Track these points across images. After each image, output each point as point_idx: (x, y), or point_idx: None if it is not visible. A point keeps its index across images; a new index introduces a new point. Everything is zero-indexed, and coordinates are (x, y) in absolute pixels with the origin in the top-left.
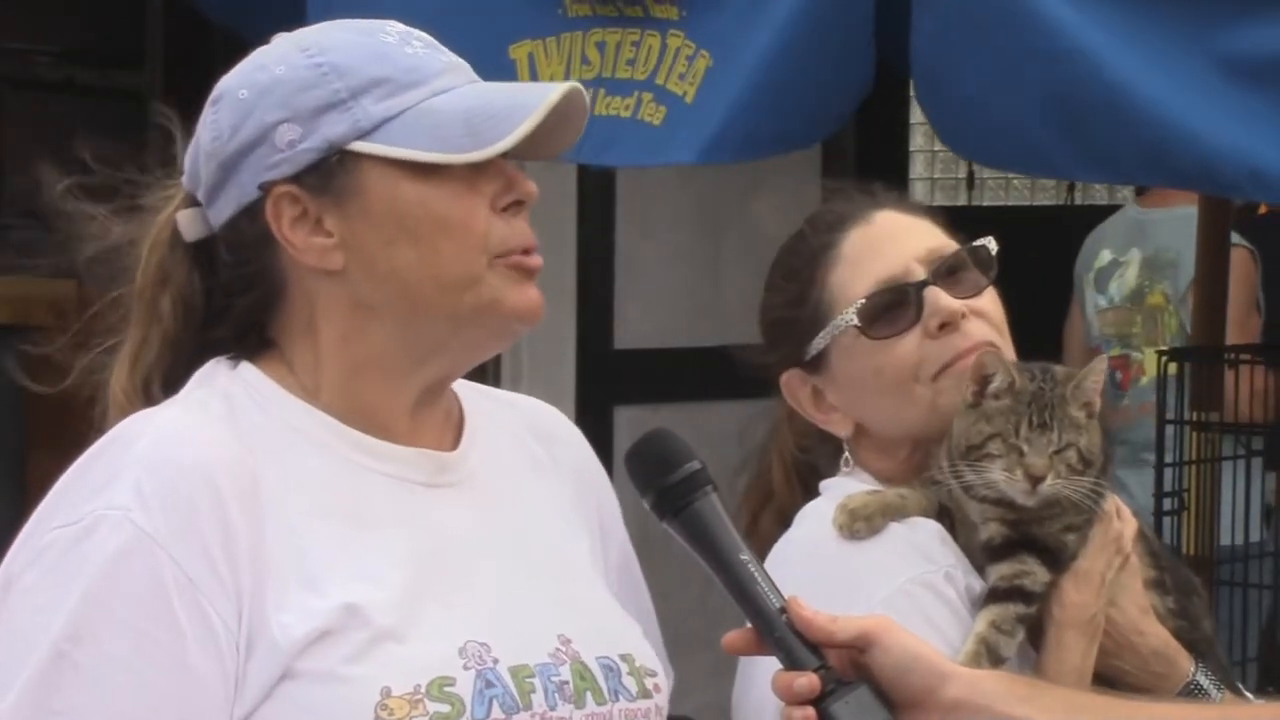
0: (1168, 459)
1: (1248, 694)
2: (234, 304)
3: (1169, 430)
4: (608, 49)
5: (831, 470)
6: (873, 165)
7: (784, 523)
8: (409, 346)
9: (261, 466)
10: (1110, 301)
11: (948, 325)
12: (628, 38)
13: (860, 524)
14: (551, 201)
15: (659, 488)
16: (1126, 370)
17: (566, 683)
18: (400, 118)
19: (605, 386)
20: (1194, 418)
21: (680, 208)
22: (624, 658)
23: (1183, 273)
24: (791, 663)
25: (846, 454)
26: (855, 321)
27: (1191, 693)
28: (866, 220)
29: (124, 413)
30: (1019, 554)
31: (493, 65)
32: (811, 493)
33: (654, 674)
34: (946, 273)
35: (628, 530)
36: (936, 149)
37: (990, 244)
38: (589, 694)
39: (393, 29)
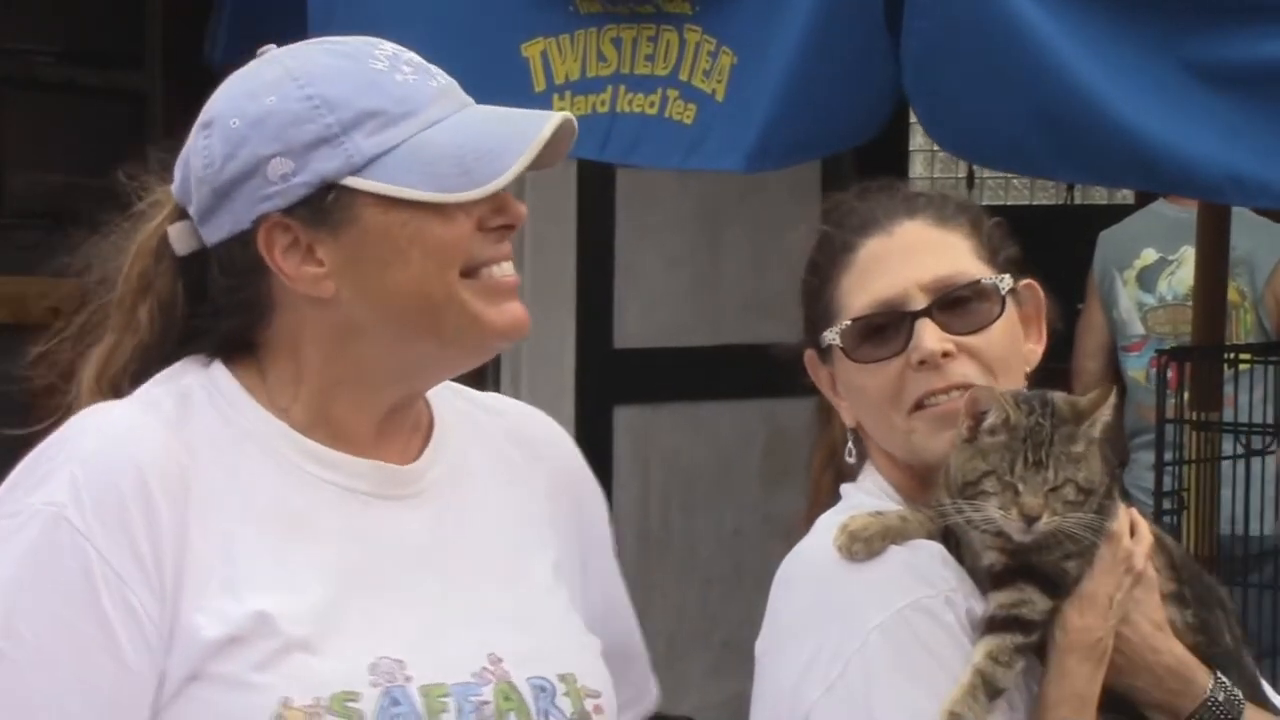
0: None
1: (1278, 702)
2: (220, 324)
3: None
4: (624, 45)
5: (848, 467)
6: (872, 164)
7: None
8: (391, 365)
9: (200, 469)
10: (1161, 300)
11: (925, 364)
12: (644, 33)
13: (859, 546)
14: (551, 202)
15: None
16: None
17: (487, 703)
18: (393, 153)
19: (605, 386)
20: (1194, 417)
21: (680, 208)
22: (563, 677)
23: (1260, 271)
24: None
25: (849, 444)
26: (838, 342)
27: (1209, 709)
28: (888, 231)
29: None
30: (1018, 582)
31: (505, 65)
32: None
33: (596, 695)
34: (948, 305)
35: (629, 529)
36: (936, 148)
37: (1003, 282)
38: (512, 715)
39: (383, 51)
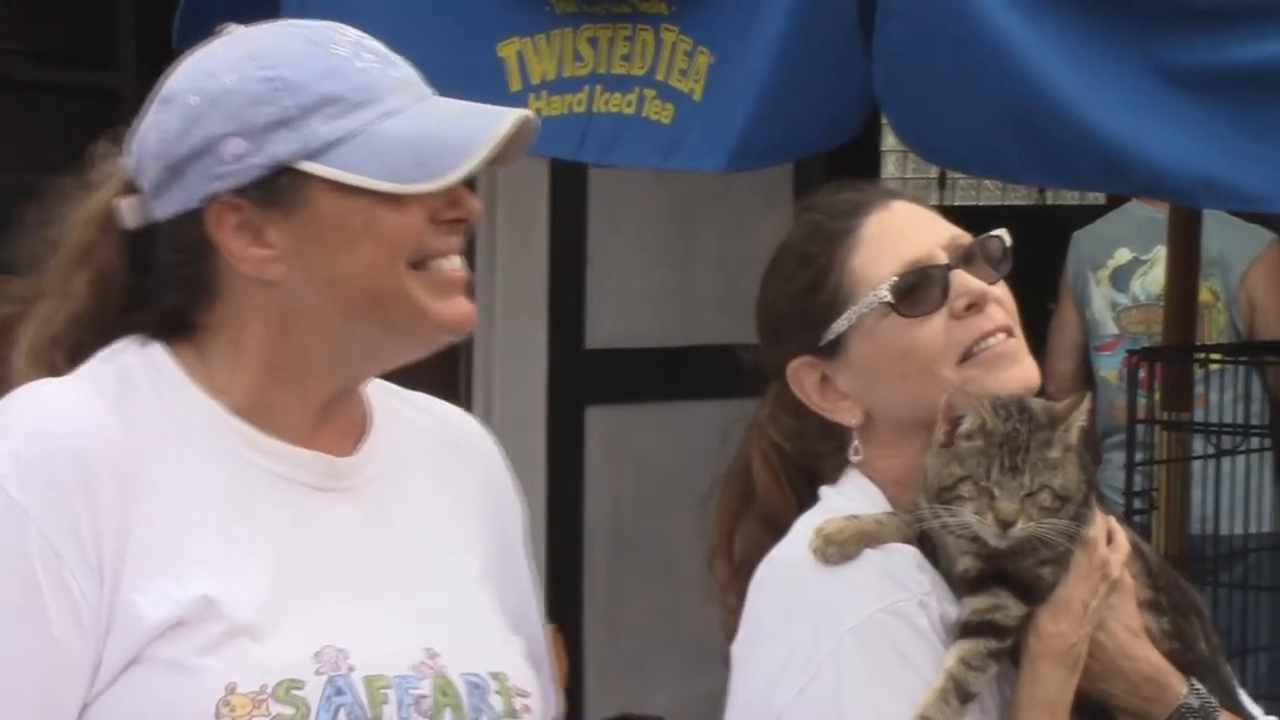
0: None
1: (1255, 710)
2: (164, 299)
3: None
4: (600, 45)
5: (827, 471)
6: (844, 164)
7: (771, 525)
8: (334, 353)
9: (141, 449)
10: (1135, 300)
11: (974, 306)
12: (620, 33)
13: (833, 549)
14: (523, 201)
15: None
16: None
17: (425, 697)
18: (350, 140)
19: (576, 386)
20: (1166, 417)
21: (652, 208)
22: (494, 675)
23: (1232, 271)
24: None
25: (856, 444)
26: (888, 298)
27: (1183, 715)
28: (885, 207)
29: (22, 381)
30: (993, 587)
31: (480, 64)
32: (804, 496)
33: (525, 695)
34: (966, 259)
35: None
36: (908, 149)
37: (1005, 236)
38: (448, 710)
39: (345, 37)
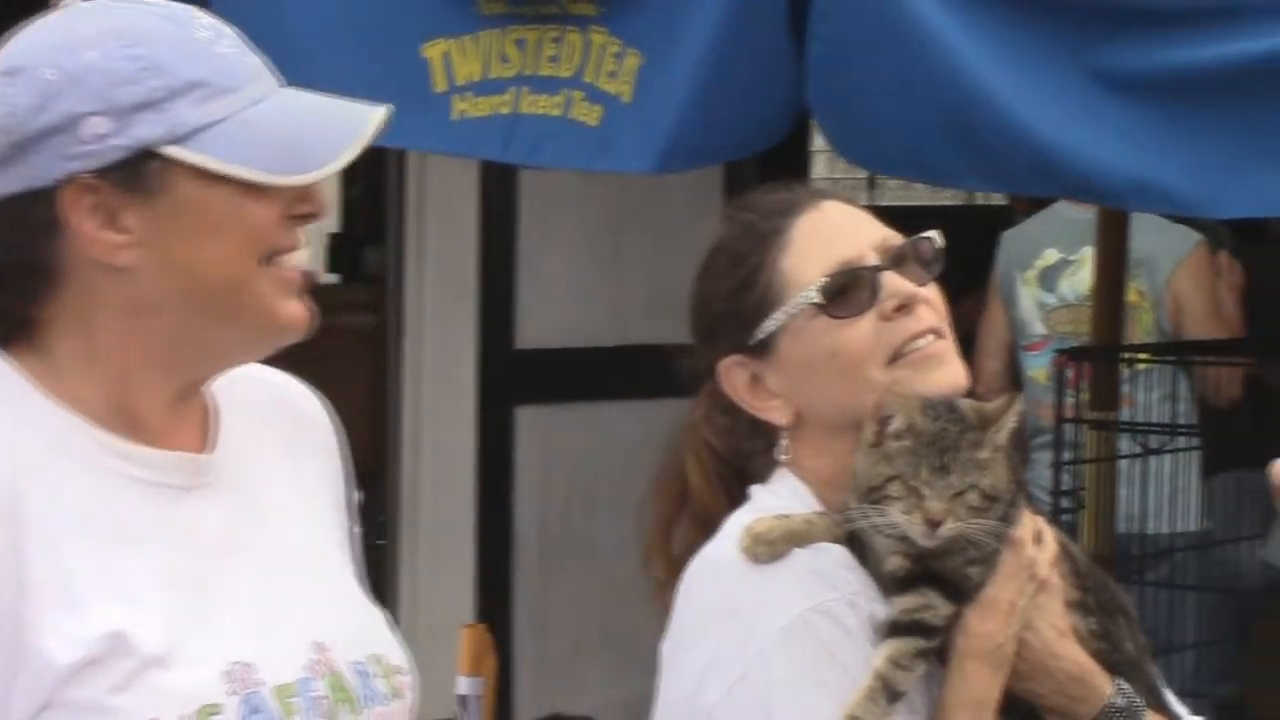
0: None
1: (1180, 709)
2: None
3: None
4: (528, 46)
5: (759, 470)
6: (774, 165)
7: (704, 524)
8: (185, 349)
9: (18, 477)
10: (1063, 300)
11: (903, 308)
12: (548, 35)
13: (763, 548)
14: (453, 201)
15: None
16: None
17: (324, 697)
18: (217, 127)
19: (506, 386)
20: (1093, 416)
21: (583, 209)
22: (374, 659)
23: (1159, 271)
24: None
25: (785, 443)
26: (817, 299)
27: (1109, 715)
28: (816, 207)
29: None
30: (921, 587)
31: (405, 65)
32: (736, 496)
33: (402, 672)
34: (897, 260)
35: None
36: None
37: (936, 238)
38: (344, 706)
39: (203, 21)
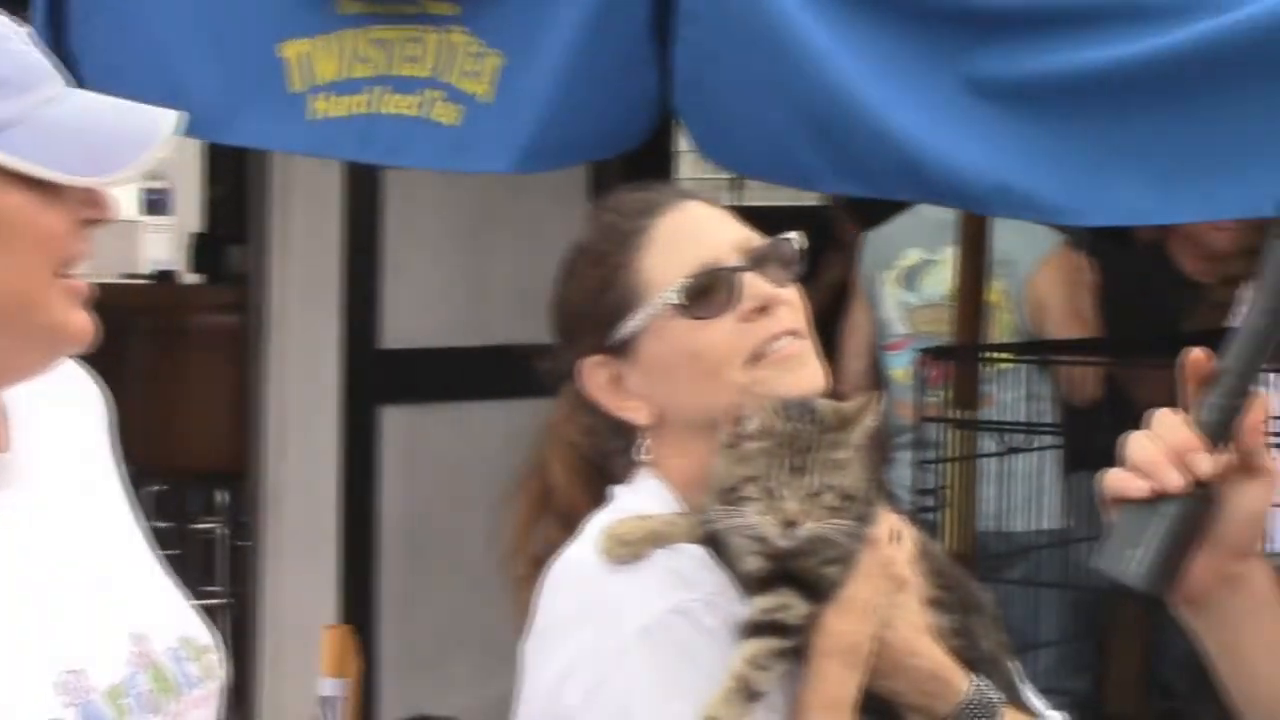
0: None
1: (1038, 704)
2: None
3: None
4: (387, 46)
5: (621, 470)
6: (639, 164)
7: (567, 524)
8: None
9: None
10: (925, 299)
11: (763, 309)
12: (407, 35)
13: (623, 549)
14: (316, 199)
15: None
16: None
17: (148, 691)
18: (17, 127)
19: (370, 386)
20: (954, 415)
21: (448, 207)
22: (184, 641)
23: (1021, 271)
24: (1206, 429)
25: (646, 442)
26: (675, 300)
27: (966, 711)
28: (679, 208)
29: None
30: (779, 587)
31: (261, 64)
32: (598, 495)
33: (211, 651)
34: (757, 262)
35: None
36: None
37: (797, 239)
38: (164, 695)
39: None
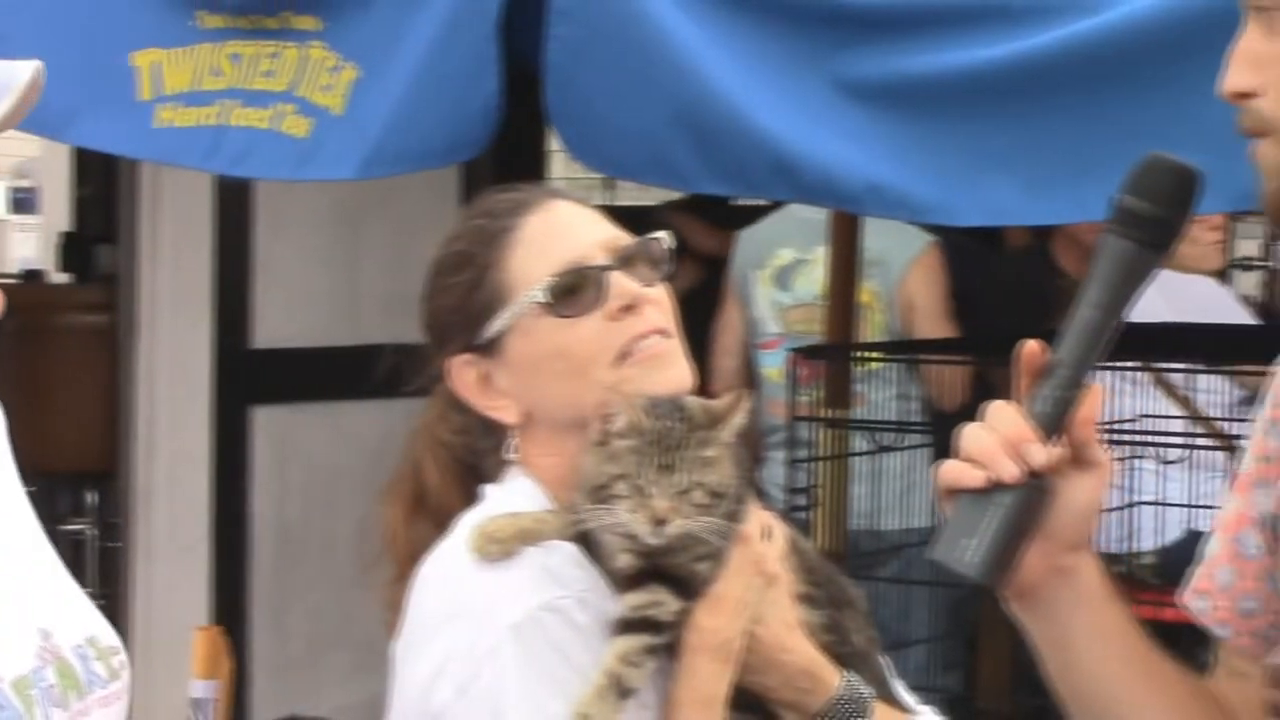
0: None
1: (909, 700)
2: None
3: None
4: (243, 61)
5: (492, 469)
6: (511, 164)
7: (441, 524)
8: None
9: None
10: (798, 299)
11: (630, 308)
12: (265, 50)
13: (494, 547)
14: (188, 200)
15: (1160, 216)
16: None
17: (54, 686)
18: None
19: (242, 386)
20: (826, 414)
21: (319, 207)
22: (90, 641)
23: (892, 272)
24: (1040, 421)
25: (515, 441)
26: (542, 299)
27: (837, 706)
28: (546, 207)
29: None
30: (650, 584)
31: (111, 71)
32: (471, 495)
33: (117, 652)
34: (625, 261)
35: (267, 530)
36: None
37: (666, 238)
38: (71, 692)
39: None
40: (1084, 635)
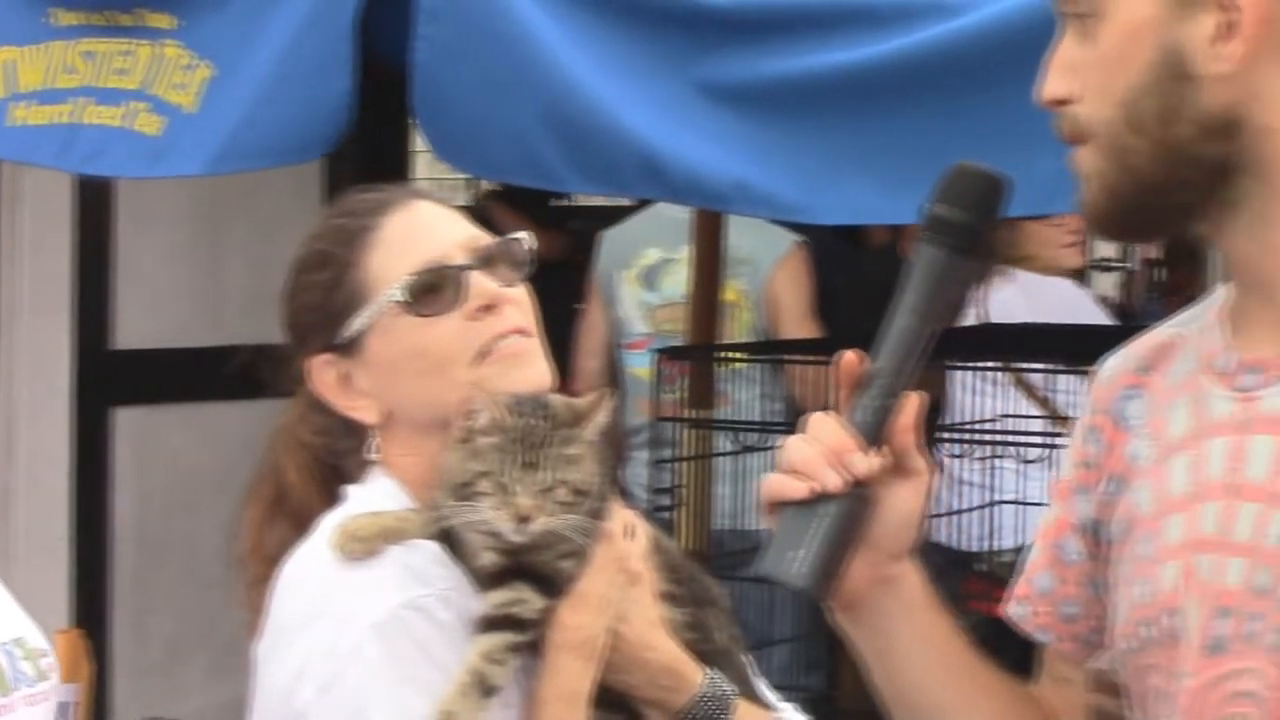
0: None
1: (771, 698)
2: None
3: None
4: (97, 58)
5: (354, 469)
6: (375, 163)
7: (302, 525)
8: None
9: None
10: (665, 299)
11: (489, 308)
12: (118, 48)
13: (356, 545)
14: (47, 199)
15: (969, 222)
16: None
17: None
18: None
19: (103, 387)
20: (689, 414)
21: (180, 206)
22: (17, 641)
23: (761, 271)
24: (860, 430)
25: (376, 442)
26: (400, 298)
27: (700, 704)
28: (407, 207)
29: None
30: (513, 582)
31: None
32: (333, 495)
33: (45, 655)
34: (485, 261)
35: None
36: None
37: (527, 238)
38: None
39: None
40: (908, 643)
